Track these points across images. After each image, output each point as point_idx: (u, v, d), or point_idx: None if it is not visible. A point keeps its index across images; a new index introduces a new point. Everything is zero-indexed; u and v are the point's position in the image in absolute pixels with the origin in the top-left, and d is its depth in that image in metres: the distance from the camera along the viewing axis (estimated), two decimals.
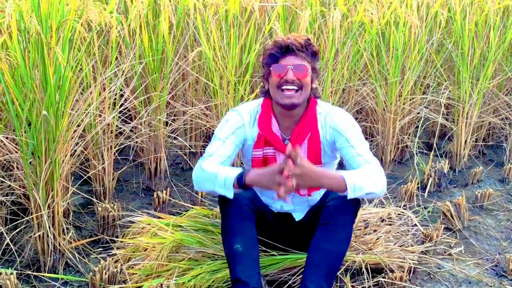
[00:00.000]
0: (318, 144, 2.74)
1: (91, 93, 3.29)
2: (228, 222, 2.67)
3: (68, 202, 3.24)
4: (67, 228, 3.11)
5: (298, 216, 2.90)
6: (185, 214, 3.36)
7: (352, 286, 2.83)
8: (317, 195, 2.86)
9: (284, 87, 2.60)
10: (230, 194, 2.55)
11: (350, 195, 2.49)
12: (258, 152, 2.78)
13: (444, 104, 4.42)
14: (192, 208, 3.42)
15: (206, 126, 4.08)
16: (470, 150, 4.64)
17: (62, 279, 2.90)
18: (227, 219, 2.68)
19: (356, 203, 2.69)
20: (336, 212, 2.64)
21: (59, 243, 2.96)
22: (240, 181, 2.50)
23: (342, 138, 2.68)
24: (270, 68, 2.65)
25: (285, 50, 2.63)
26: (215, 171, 2.58)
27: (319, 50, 2.74)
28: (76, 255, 3.05)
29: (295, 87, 2.61)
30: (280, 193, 2.37)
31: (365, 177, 2.52)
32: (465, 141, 4.52)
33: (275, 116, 2.75)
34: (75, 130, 3.13)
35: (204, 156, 2.72)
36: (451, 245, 3.38)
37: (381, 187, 2.57)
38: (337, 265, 2.61)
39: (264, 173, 2.45)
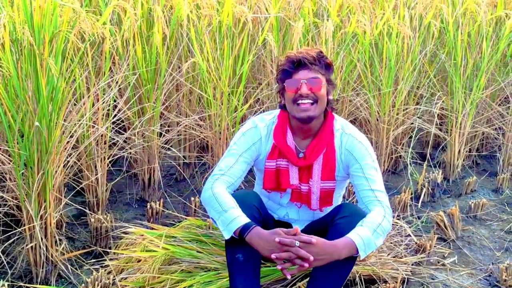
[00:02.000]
0: (333, 161, 2.71)
1: (84, 104, 3.28)
2: None
3: (61, 213, 3.23)
4: (60, 240, 3.10)
5: (299, 226, 2.88)
6: (178, 225, 3.35)
7: None
8: (328, 209, 2.85)
9: (300, 101, 2.60)
10: (226, 236, 2.51)
11: (363, 255, 2.45)
12: (271, 163, 2.77)
13: (438, 114, 4.43)
14: (186, 219, 3.42)
15: (200, 136, 4.08)
16: (463, 160, 4.66)
17: None
18: None
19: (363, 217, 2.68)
20: (344, 231, 2.57)
21: (52, 254, 2.95)
22: (242, 233, 2.45)
23: (356, 165, 2.66)
24: (284, 84, 2.65)
25: (297, 64, 2.62)
26: (225, 206, 2.52)
27: (332, 62, 2.73)
28: (69, 266, 3.04)
29: (311, 101, 2.60)
30: (279, 268, 2.36)
31: (374, 233, 2.46)
32: (459, 151, 4.53)
33: (291, 129, 2.74)
34: (68, 141, 3.12)
35: (215, 172, 2.68)
36: (445, 255, 3.38)
37: (386, 232, 2.54)
38: (341, 282, 2.58)
39: (264, 238, 2.39)
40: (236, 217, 2.47)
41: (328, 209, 2.85)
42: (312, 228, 2.84)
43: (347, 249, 2.41)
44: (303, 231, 2.86)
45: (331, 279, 2.52)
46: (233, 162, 2.69)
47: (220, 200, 2.55)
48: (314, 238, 2.35)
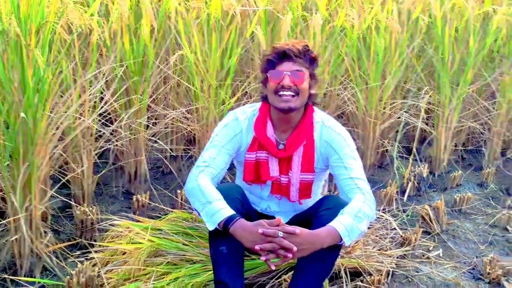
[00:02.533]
0: (313, 152, 2.72)
1: (70, 95, 3.27)
2: None
3: (46, 206, 3.22)
4: (45, 232, 3.08)
5: (282, 219, 2.89)
6: (164, 218, 3.35)
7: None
8: (305, 204, 2.86)
9: (281, 92, 2.60)
10: (210, 227, 2.50)
11: (347, 242, 2.45)
12: (251, 155, 2.77)
13: (424, 109, 4.45)
14: (172, 211, 3.42)
15: (187, 129, 4.07)
16: (449, 155, 4.68)
17: (39, 282, 2.88)
18: None
19: None
20: (327, 222, 2.54)
21: (36, 246, 2.94)
22: (226, 225, 2.44)
23: (335, 156, 2.68)
24: (268, 74, 2.65)
25: (282, 56, 2.62)
26: (210, 198, 2.51)
27: (318, 56, 2.73)
28: (54, 258, 3.03)
29: (292, 93, 2.60)
30: (263, 259, 2.35)
31: (355, 218, 2.47)
32: (445, 146, 4.56)
33: (272, 121, 2.74)
34: (54, 133, 3.11)
35: (199, 163, 2.67)
36: (429, 249, 3.40)
37: (370, 218, 2.54)
38: (325, 275, 2.59)
39: (248, 229, 2.39)
40: (220, 209, 2.47)
41: (308, 201, 2.85)
42: (296, 221, 2.84)
43: (330, 238, 2.41)
44: (287, 223, 2.87)
45: (315, 271, 2.53)
46: (216, 153, 2.69)
47: (204, 192, 2.54)
48: (298, 229, 2.35)
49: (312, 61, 2.68)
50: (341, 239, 2.41)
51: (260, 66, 2.76)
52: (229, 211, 2.47)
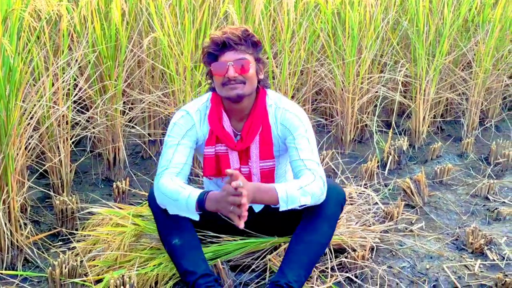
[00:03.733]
0: (270, 138, 2.69)
1: (43, 83, 3.21)
2: (161, 221, 2.65)
3: (24, 197, 3.17)
4: (25, 224, 3.04)
5: (257, 206, 2.87)
6: (145, 204, 3.31)
7: (315, 267, 2.82)
8: None
9: (228, 84, 2.55)
10: (195, 217, 2.50)
11: (282, 207, 2.47)
12: (210, 150, 2.71)
13: (402, 82, 4.44)
14: None
15: (164, 113, 4.02)
16: (428, 127, 4.69)
17: (21, 275, 2.85)
18: (158, 218, 2.67)
19: (343, 196, 2.70)
20: (322, 204, 2.61)
21: (17, 239, 2.90)
22: (201, 206, 2.45)
23: (290, 136, 2.65)
24: (211, 67, 2.59)
25: (222, 46, 2.56)
26: (175, 193, 2.51)
27: (260, 40, 2.68)
28: (35, 250, 3.00)
29: (239, 83, 2.55)
30: (239, 224, 2.36)
31: (299, 189, 2.49)
32: (423, 118, 4.56)
33: (226, 112, 2.69)
34: (29, 123, 3.06)
35: (159, 171, 2.64)
36: (412, 222, 3.41)
37: (316, 198, 2.53)
38: (317, 256, 2.61)
39: (220, 200, 2.39)
40: (188, 198, 2.47)
41: None
42: (269, 210, 2.85)
43: (268, 196, 2.45)
44: (259, 213, 2.87)
45: (306, 253, 2.56)
46: (172, 153, 2.64)
47: (168, 193, 2.53)
48: (241, 182, 2.33)
49: (255, 45, 2.62)
50: (276, 204, 2.45)
51: (201, 59, 2.68)
52: (194, 194, 2.47)
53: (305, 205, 2.51)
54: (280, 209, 2.48)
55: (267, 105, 2.68)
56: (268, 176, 2.75)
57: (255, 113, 2.66)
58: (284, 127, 2.66)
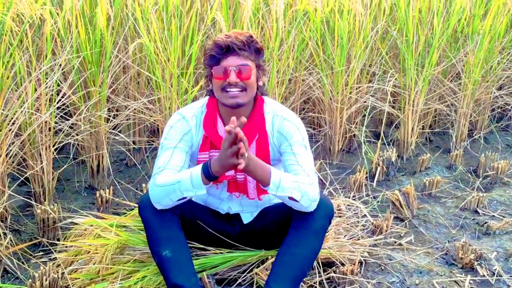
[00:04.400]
0: (267, 145, 2.64)
1: (25, 89, 3.13)
2: (151, 231, 2.57)
3: (5, 205, 3.07)
4: (4, 233, 2.95)
5: (246, 217, 2.81)
6: (129, 214, 3.23)
7: (303, 282, 2.76)
8: (267, 198, 2.77)
9: (228, 89, 2.49)
10: (202, 191, 2.44)
11: (271, 190, 2.43)
12: (204, 156, 2.65)
13: (390, 92, 4.39)
14: (137, 207, 3.30)
15: (149, 120, 3.95)
16: (417, 138, 4.64)
17: (0, 287, 2.75)
18: (149, 228, 2.59)
19: (331, 209, 2.63)
20: (310, 216, 2.56)
21: None
22: (207, 173, 2.39)
23: (286, 143, 2.60)
24: (212, 70, 2.52)
25: (226, 50, 2.49)
26: (175, 179, 2.45)
27: (263, 47, 2.62)
28: (15, 261, 2.91)
29: (239, 89, 2.49)
30: (240, 166, 2.30)
31: (294, 182, 2.45)
32: (412, 129, 4.52)
33: (221, 117, 2.63)
34: (10, 129, 2.97)
35: (154, 173, 2.57)
36: (401, 235, 3.36)
37: (308, 200, 2.49)
38: (305, 270, 2.55)
39: (220, 157, 2.34)
40: (190, 175, 2.42)
41: (268, 197, 2.77)
42: (263, 217, 2.78)
43: (261, 171, 2.41)
44: (252, 221, 2.82)
45: (293, 269, 2.50)
46: (169, 155, 2.57)
47: (167, 183, 2.46)
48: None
49: (257, 51, 2.56)
50: (268, 184, 2.42)
51: (203, 60, 2.62)
52: (196, 169, 2.43)
53: (294, 199, 2.46)
54: (269, 192, 2.45)
55: (264, 113, 2.63)
56: None
57: (252, 120, 2.60)
58: (281, 134, 2.61)
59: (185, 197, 2.49)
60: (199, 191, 2.44)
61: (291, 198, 2.46)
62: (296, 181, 2.46)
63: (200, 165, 2.43)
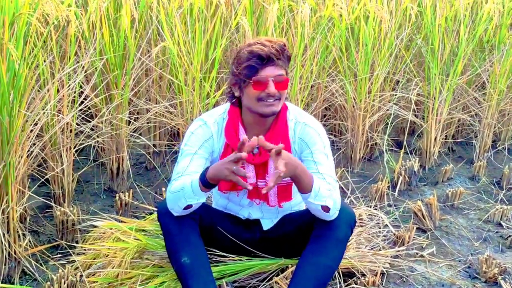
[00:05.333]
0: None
1: (48, 90, 3.12)
2: (170, 237, 2.55)
3: (25, 206, 3.06)
4: (24, 234, 2.93)
5: (266, 224, 2.78)
6: (149, 218, 3.21)
7: None
8: (288, 205, 2.74)
9: (265, 99, 2.46)
10: (202, 199, 2.44)
11: (311, 198, 2.40)
12: None
13: (414, 101, 4.34)
14: (156, 211, 3.27)
15: (170, 124, 3.93)
16: (440, 147, 4.58)
17: None
18: (168, 234, 2.57)
19: (353, 218, 2.60)
20: (332, 225, 2.53)
21: (15, 250, 2.80)
22: (203, 181, 2.37)
23: (307, 150, 2.57)
24: (249, 80, 2.46)
25: (266, 61, 2.44)
26: (181, 185, 2.44)
27: (291, 54, 2.60)
28: (33, 262, 2.89)
29: (275, 98, 2.47)
30: (244, 185, 2.28)
31: (328, 190, 2.43)
32: (435, 138, 4.46)
33: (243, 125, 2.60)
34: (32, 130, 2.96)
35: (172, 179, 2.55)
36: (423, 246, 3.30)
37: (335, 208, 2.48)
38: (326, 280, 2.51)
39: (219, 165, 2.31)
40: (191, 182, 2.40)
41: (291, 202, 2.74)
42: (284, 226, 2.75)
43: (306, 178, 2.38)
44: (272, 228, 2.78)
45: (314, 278, 2.45)
46: (188, 161, 2.55)
47: (176, 188, 2.46)
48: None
49: (289, 60, 2.55)
50: (309, 191, 2.39)
51: (236, 69, 2.53)
52: (197, 175, 2.41)
53: (325, 207, 2.44)
54: (308, 199, 2.42)
55: (288, 120, 2.60)
56: (285, 191, 2.65)
57: (276, 127, 2.58)
58: (302, 141, 2.58)
59: (192, 205, 2.47)
60: (200, 199, 2.43)
61: (323, 207, 2.43)
62: (329, 189, 2.44)
63: (197, 177, 2.41)
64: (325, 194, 2.41)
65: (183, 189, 2.42)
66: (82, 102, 3.43)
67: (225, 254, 2.79)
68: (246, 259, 2.80)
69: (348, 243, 2.99)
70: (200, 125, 2.62)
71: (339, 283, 2.79)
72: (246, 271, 2.77)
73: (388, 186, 3.92)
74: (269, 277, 2.79)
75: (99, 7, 3.36)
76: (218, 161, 2.38)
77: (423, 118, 4.54)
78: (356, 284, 2.79)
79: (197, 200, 2.44)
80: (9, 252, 2.78)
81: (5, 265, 2.77)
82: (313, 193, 2.39)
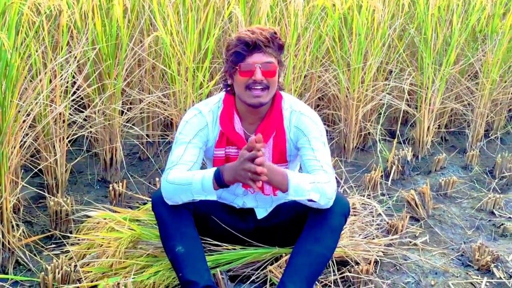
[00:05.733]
0: (284, 142, 2.62)
1: (41, 80, 3.11)
2: (165, 226, 2.56)
3: (18, 197, 3.06)
4: (17, 225, 2.93)
5: (260, 213, 2.79)
6: (142, 208, 3.21)
7: (317, 280, 2.73)
8: (282, 194, 2.75)
9: (252, 87, 2.46)
10: (213, 197, 2.44)
11: (291, 195, 2.40)
12: (220, 152, 2.64)
13: (407, 90, 4.35)
14: (150, 201, 3.28)
15: (164, 114, 3.92)
16: (432, 137, 4.60)
17: (12, 279, 2.74)
18: (162, 224, 2.58)
19: (347, 207, 2.61)
20: (326, 214, 2.54)
21: (9, 240, 2.80)
22: (219, 181, 2.38)
23: (304, 138, 2.58)
24: (237, 67, 2.48)
25: (252, 47, 2.45)
26: (187, 178, 2.44)
27: (284, 43, 2.59)
28: (27, 253, 2.90)
29: (263, 87, 2.47)
30: (256, 187, 2.31)
31: (312, 183, 2.42)
32: (428, 128, 4.47)
33: (238, 113, 2.60)
34: (25, 120, 2.96)
35: (167, 167, 2.55)
36: (416, 235, 3.32)
37: (326, 199, 2.47)
38: (320, 269, 2.52)
39: (237, 169, 2.33)
40: (203, 177, 2.40)
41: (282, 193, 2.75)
42: (279, 214, 2.77)
43: (280, 178, 2.39)
44: (266, 217, 2.80)
45: (308, 265, 2.47)
46: (183, 150, 2.55)
47: (179, 181, 2.45)
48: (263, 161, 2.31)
49: (280, 48, 2.54)
50: (286, 190, 2.39)
51: (225, 56, 2.58)
52: (209, 172, 2.41)
53: (312, 201, 2.44)
54: (288, 197, 2.42)
55: (283, 109, 2.60)
56: None
57: (271, 117, 2.59)
58: (298, 129, 2.59)
59: (195, 199, 2.48)
60: (209, 196, 2.43)
61: (309, 199, 2.43)
62: (313, 181, 2.43)
63: (213, 170, 2.41)
64: (307, 187, 2.40)
65: (190, 185, 2.42)
66: (74, 93, 3.41)
67: (219, 243, 2.80)
68: (241, 248, 2.81)
69: (342, 232, 3.00)
70: (195, 114, 2.62)
71: (333, 271, 2.80)
72: (241, 260, 2.78)
73: (382, 176, 3.93)
74: (263, 266, 2.79)
75: None
76: (231, 164, 2.38)
77: (416, 108, 4.56)
78: (350, 272, 2.80)
79: (205, 197, 2.44)
80: (2, 242, 2.78)
81: None
82: (292, 191, 2.40)
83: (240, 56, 2.47)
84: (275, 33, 2.50)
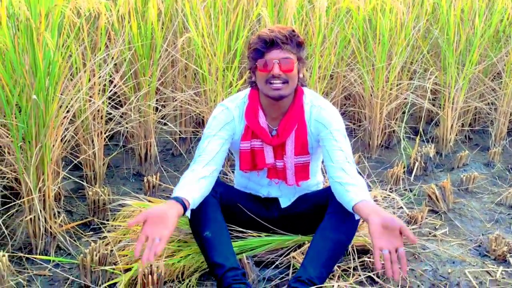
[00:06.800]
0: (305, 135, 2.77)
1: (80, 78, 3.32)
2: (194, 214, 2.71)
3: (59, 187, 3.28)
4: (58, 212, 3.15)
5: (284, 202, 2.96)
6: None
7: (338, 266, 2.88)
8: (305, 185, 2.92)
9: (272, 81, 2.63)
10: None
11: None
12: (245, 144, 2.82)
13: (431, 90, 4.47)
14: None
15: (195, 112, 4.12)
16: (456, 135, 4.71)
17: (53, 261, 2.95)
18: (192, 210, 2.72)
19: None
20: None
21: (50, 226, 3.00)
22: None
23: (326, 130, 2.73)
24: (256, 63, 2.66)
25: (270, 44, 2.62)
26: (179, 182, 2.68)
27: (304, 40, 2.76)
28: (67, 238, 3.09)
29: (282, 81, 2.63)
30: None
31: (367, 191, 2.62)
32: (451, 126, 4.58)
33: (262, 108, 2.78)
34: (65, 116, 3.16)
35: (194, 159, 2.76)
36: (436, 227, 3.44)
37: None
38: (339, 254, 2.69)
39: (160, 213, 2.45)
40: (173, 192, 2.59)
41: (308, 182, 2.93)
42: (301, 203, 2.94)
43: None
44: (289, 206, 2.97)
45: (329, 250, 2.64)
46: (207, 142, 2.75)
47: (180, 180, 2.68)
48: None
49: (299, 45, 2.69)
50: None
51: (247, 54, 2.76)
52: (175, 194, 2.56)
53: None
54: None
55: (304, 104, 2.77)
56: (302, 171, 2.84)
57: (293, 111, 2.75)
58: (318, 122, 2.75)
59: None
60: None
61: None
62: (365, 188, 2.63)
63: (176, 195, 2.56)
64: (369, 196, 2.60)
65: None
66: (111, 90, 3.62)
67: (245, 230, 2.97)
68: (265, 235, 2.97)
69: (363, 222, 3.15)
70: (222, 109, 2.81)
71: (353, 258, 2.94)
72: (265, 246, 2.94)
73: (404, 171, 4.05)
74: (286, 253, 2.94)
75: (128, 1, 3.55)
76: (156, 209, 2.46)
77: (440, 107, 4.67)
78: (369, 259, 2.94)
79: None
80: (45, 227, 2.98)
81: (41, 239, 2.97)
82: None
83: (259, 53, 2.65)
84: (293, 31, 2.67)
